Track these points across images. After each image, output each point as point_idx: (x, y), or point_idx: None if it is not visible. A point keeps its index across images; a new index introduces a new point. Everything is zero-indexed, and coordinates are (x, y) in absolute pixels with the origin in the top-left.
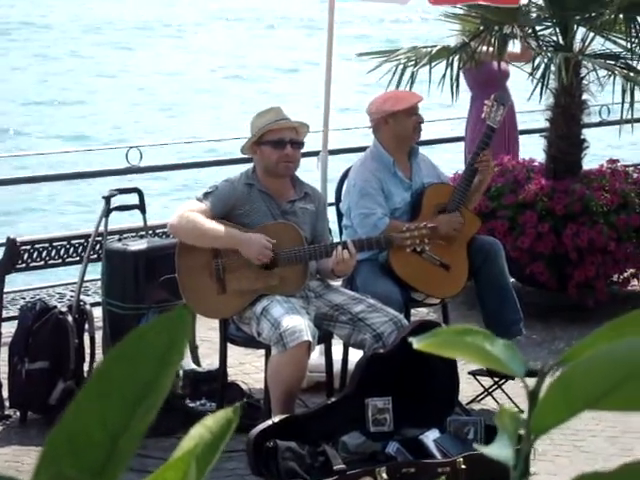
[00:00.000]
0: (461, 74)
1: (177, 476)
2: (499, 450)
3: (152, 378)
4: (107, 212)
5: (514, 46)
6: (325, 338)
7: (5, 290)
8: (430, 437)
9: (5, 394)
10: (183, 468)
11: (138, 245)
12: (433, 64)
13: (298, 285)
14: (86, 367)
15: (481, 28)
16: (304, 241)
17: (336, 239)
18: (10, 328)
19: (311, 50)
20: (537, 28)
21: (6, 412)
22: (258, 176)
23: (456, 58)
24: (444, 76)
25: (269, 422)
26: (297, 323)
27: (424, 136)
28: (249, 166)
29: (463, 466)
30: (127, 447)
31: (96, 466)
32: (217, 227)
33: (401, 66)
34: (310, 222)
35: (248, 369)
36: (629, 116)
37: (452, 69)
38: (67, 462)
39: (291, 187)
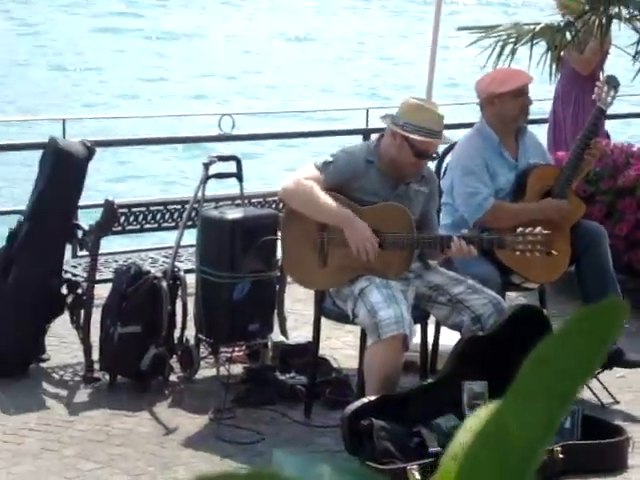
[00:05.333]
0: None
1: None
2: None
3: (575, 378)
4: (205, 179)
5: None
6: (423, 318)
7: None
8: None
9: (95, 356)
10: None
11: (235, 214)
12: (535, 42)
13: (400, 271)
14: (177, 334)
15: (587, 8)
16: (413, 226)
17: None
18: (102, 290)
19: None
20: None
21: (95, 375)
22: (381, 154)
23: (559, 37)
24: (547, 52)
25: (364, 400)
26: (395, 314)
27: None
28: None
29: (561, 455)
30: (541, 453)
31: (508, 472)
32: (330, 203)
33: (501, 42)
34: (422, 204)
35: (335, 344)
36: None
37: (554, 48)
38: (483, 459)
39: None
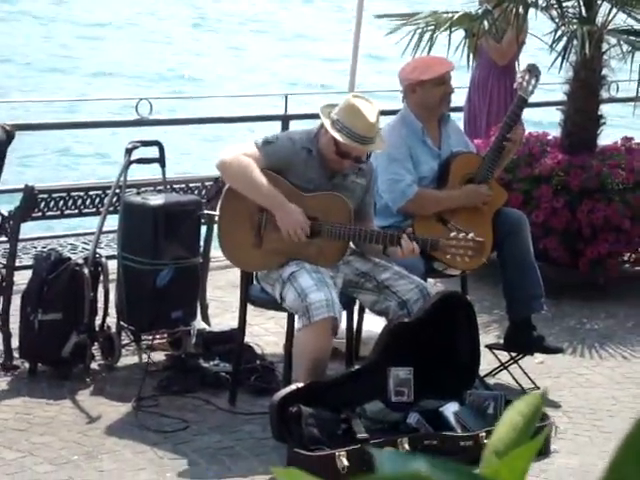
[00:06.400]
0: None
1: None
2: None
3: None
4: (128, 164)
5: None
6: (348, 305)
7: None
8: (450, 409)
9: (15, 344)
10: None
11: (157, 200)
12: (453, 30)
13: (334, 261)
14: (98, 321)
15: None
16: (352, 217)
17: None
18: (20, 277)
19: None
20: None
21: (15, 363)
22: (319, 144)
23: (477, 25)
24: (465, 38)
25: (293, 387)
26: (325, 297)
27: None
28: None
29: (485, 440)
30: None
31: None
32: (265, 185)
33: (419, 30)
34: (359, 196)
35: (257, 331)
36: None
37: (472, 37)
38: (630, 472)
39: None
